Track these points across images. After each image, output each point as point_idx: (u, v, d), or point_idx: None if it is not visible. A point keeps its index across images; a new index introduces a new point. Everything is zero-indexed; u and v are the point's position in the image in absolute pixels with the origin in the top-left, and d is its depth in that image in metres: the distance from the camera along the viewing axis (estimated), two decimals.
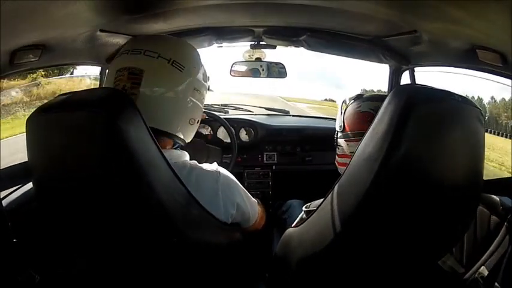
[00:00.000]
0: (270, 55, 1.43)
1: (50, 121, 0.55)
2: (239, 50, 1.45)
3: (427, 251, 0.63)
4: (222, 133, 1.48)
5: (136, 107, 0.53)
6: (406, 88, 0.66)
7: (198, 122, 0.74)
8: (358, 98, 0.81)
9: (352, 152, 0.58)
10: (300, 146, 1.57)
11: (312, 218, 0.67)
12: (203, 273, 0.66)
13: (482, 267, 0.78)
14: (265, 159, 1.55)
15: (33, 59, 0.76)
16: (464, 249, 0.91)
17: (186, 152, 0.73)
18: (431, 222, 0.58)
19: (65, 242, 0.71)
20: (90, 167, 0.52)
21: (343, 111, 0.82)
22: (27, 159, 0.59)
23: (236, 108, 1.72)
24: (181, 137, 0.71)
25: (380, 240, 0.58)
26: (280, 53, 1.55)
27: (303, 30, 1.09)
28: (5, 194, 0.86)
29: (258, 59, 1.44)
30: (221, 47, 1.28)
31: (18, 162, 0.79)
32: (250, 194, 0.79)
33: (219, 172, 0.70)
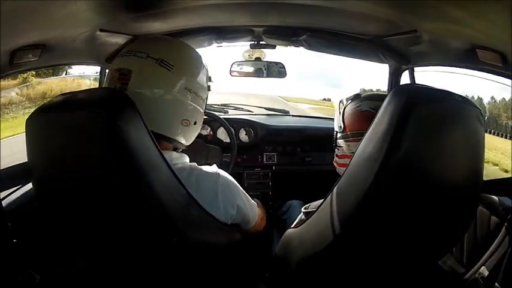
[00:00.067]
0: (269, 55, 1.43)
1: (50, 121, 0.55)
2: (239, 49, 1.45)
3: (427, 251, 0.63)
4: (221, 133, 1.48)
5: (136, 108, 0.53)
6: (406, 88, 0.66)
7: (195, 124, 0.72)
8: (356, 97, 0.81)
9: (353, 152, 0.58)
10: (300, 147, 1.57)
11: (312, 219, 0.67)
12: (203, 273, 0.66)
13: (483, 267, 0.78)
14: (265, 159, 1.54)
15: (33, 59, 0.76)
16: (464, 249, 0.91)
17: (186, 155, 0.73)
18: (432, 222, 0.58)
19: (65, 242, 0.71)
20: (90, 167, 0.52)
21: (341, 112, 0.82)
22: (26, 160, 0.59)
23: (236, 108, 1.71)
24: (177, 139, 0.69)
25: (380, 240, 0.58)
26: (280, 53, 1.55)
27: (303, 30, 1.09)
28: (5, 194, 0.86)
29: (258, 59, 1.43)
30: (221, 46, 1.27)
31: (18, 163, 0.79)
32: (250, 194, 0.79)
33: (219, 174, 0.70)
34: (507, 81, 0.81)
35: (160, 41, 0.74)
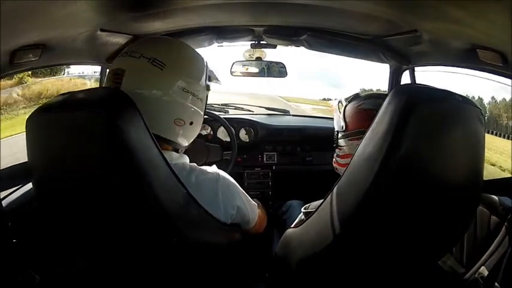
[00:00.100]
0: (270, 54, 1.43)
1: (50, 121, 0.55)
2: (239, 49, 1.45)
3: (427, 251, 0.63)
4: (222, 133, 1.48)
5: (136, 107, 0.53)
6: (407, 88, 0.66)
7: (191, 124, 0.70)
8: (356, 97, 0.81)
9: None
10: (300, 146, 1.56)
11: (312, 218, 0.67)
12: (203, 273, 0.66)
13: (482, 267, 0.78)
14: (265, 159, 1.54)
15: (33, 59, 0.76)
16: (464, 249, 0.91)
17: (185, 155, 0.73)
18: (432, 222, 0.58)
19: (65, 242, 0.71)
20: (90, 167, 0.52)
21: (341, 111, 0.82)
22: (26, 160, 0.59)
23: (236, 108, 1.71)
24: (173, 139, 0.68)
25: (380, 240, 0.58)
26: (280, 53, 1.55)
27: (303, 29, 1.09)
28: (5, 194, 0.86)
29: (259, 59, 1.44)
30: (221, 46, 1.28)
31: (18, 163, 0.79)
32: (250, 194, 0.79)
33: (219, 174, 0.70)
34: (507, 81, 0.81)
35: (158, 41, 0.74)
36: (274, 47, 1.32)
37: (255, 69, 1.47)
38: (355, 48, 1.14)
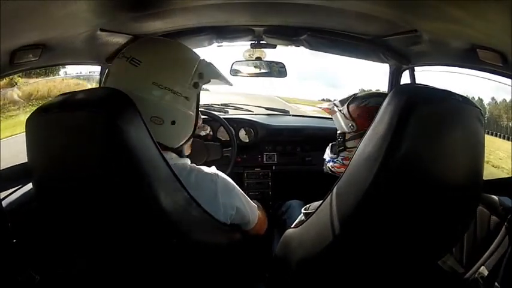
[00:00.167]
0: (270, 54, 1.43)
1: (50, 121, 0.55)
2: (239, 49, 1.45)
3: (427, 251, 0.63)
4: (221, 133, 1.48)
5: (136, 107, 0.53)
6: (407, 88, 0.66)
7: (174, 124, 0.66)
8: (356, 97, 0.81)
9: None
10: (300, 146, 1.56)
11: (312, 219, 0.67)
12: (203, 273, 0.66)
13: (482, 267, 0.78)
14: (265, 159, 1.54)
15: (33, 59, 0.76)
16: (464, 249, 0.91)
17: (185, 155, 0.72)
18: (432, 222, 0.58)
19: (65, 242, 0.71)
20: (90, 167, 0.52)
21: (344, 113, 0.81)
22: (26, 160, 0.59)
23: (236, 108, 1.71)
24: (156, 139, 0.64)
25: (380, 240, 0.58)
26: (280, 53, 1.55)
27: (303, 29, 1.09)
28: (5, 195, 0.86)
29: (258, 59, 1.43)
30: (221, 46, 1.28)
31: (18, 163, 0.79)
32: (250, 194, 0.79)
33: (217, 174, 0.70)
34: (507, 81, 0.81)
35: (146, 42, 0.75)
36: (274, 47, 1.32)
37: (255, 69, 1.47)
38: (355, 48, 1.14)
